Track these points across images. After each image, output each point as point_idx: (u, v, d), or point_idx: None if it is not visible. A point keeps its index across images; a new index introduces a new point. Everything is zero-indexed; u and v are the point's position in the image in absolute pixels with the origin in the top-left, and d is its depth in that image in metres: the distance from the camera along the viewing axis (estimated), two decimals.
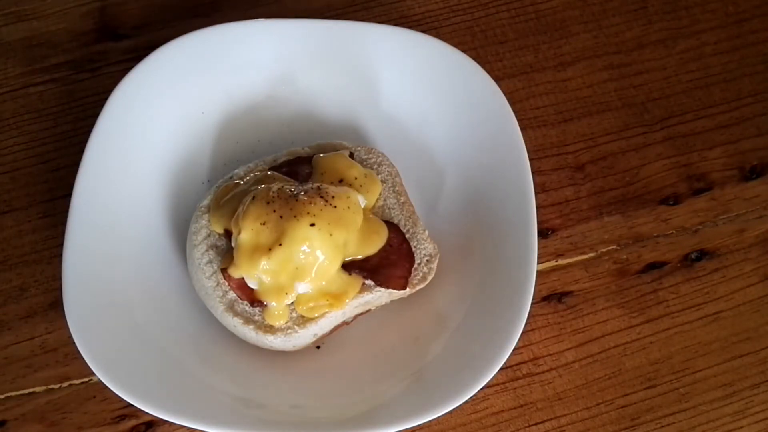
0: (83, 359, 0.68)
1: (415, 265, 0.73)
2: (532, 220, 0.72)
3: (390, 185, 0.75)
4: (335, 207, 0.69)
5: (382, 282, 0.71)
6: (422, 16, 0.88)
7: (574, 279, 0.79)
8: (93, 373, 0.68)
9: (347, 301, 0.70)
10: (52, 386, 0.75)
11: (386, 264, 0.71)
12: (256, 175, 0.74)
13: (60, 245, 0.72)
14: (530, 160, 0.75)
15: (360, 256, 0.71)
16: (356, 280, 0.71)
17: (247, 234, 0.69)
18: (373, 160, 0.76)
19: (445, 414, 0.67)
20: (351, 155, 0.76)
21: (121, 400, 0.67)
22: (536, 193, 0.74)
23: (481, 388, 0.67)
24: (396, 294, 0.72)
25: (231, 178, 0.75)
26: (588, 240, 0.80)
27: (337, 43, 0.79)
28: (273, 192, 0.70)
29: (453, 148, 0.78)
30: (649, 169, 0.82)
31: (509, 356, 0.68)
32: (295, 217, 0.68)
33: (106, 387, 0.67)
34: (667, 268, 0.79)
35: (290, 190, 0.70)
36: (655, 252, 0.80)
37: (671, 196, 0.82)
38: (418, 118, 0.80)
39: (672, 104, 0.85)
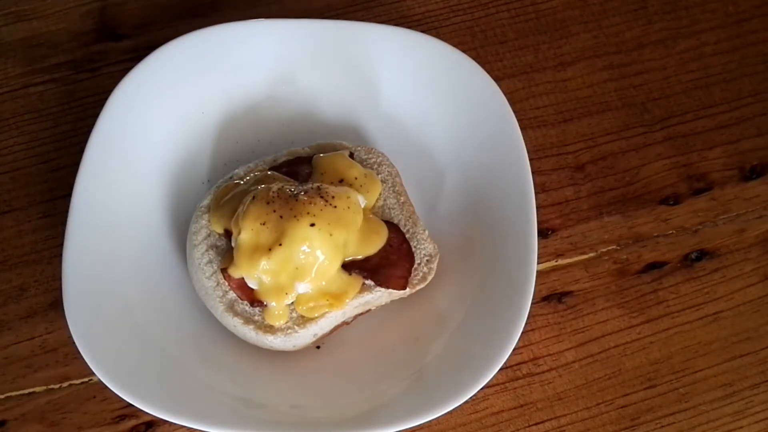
0: (83, 359, 0.68)
1: (415, 265, 0.72)
2: (532, 220, 0.72)
3: (390, 185, 0.75)
4: (335, 207, 0.69)
5: (382, 282, 0.71)
6: (422, 16, 0.88)
7: (574, 279, 0.79)
8: (93, 373, 0.68)
9: (347, 301, 0.70)
10: (52, 386, 0.75)
11: (386, 264, 0.71)
12: (256, 175, 0.74)
13: (60, 245, 0.72)
14: (530, 160, 0.74)
15: (360, 256, 0.71)
16: (356, 280, 0.71)
17: (247, 234, 0.69)
18: (373, 160, 0.76)
19: (445, 414, 0.67)
20: (351, 155, 0.76)
21: (121, 400, 0.67)
22: (536, 193, 0.74)
23: (481, 388, 0.67)
24: (396, 294, 0.72)
25: (231, 178, 0.75)
26: (588, 240, 0.80)
27: (337, 43, 0.79)
28: (273, 192, 0.70)
29: (453, 148, 0.78)
30: (649, 169, 0.82)
31: (509, 356, 0.68)
32: (295, 217, 0.68)
33: (106, 387, 0.67)
34: (667, 268, 0.79)
35: (290, 190, 0.70)
36: (655, 252, 0.80)
37: (671, 196, 0.81)
38: (418, 118, 0.79)
39: (672, 104, 0.85)
